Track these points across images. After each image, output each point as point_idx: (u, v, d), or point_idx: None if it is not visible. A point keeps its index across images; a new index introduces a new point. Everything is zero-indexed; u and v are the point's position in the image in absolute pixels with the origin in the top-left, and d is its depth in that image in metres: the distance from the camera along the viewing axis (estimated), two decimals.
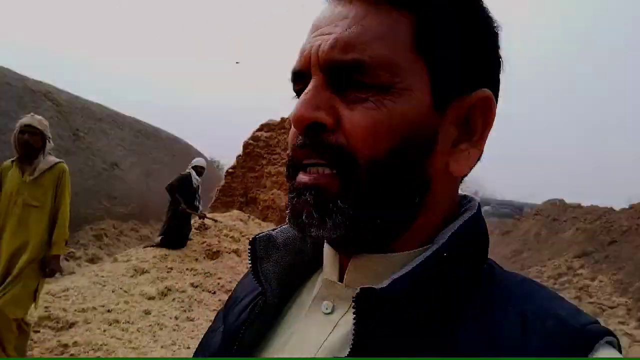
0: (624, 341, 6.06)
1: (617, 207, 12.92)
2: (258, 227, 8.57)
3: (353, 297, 0.39)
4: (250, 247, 0.52)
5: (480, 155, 0.46)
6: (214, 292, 5.87)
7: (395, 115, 0.41)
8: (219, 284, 6.08)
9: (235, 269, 6.87)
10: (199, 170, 7.20)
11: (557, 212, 14.68)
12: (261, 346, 0.51)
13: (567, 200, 15.65)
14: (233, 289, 0.62)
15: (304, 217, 0.43)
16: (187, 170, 7.14)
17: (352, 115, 0.42)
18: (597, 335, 0.38)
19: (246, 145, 11.40)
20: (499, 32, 0.47)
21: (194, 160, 7.49)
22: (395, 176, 0.42)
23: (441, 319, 0.40)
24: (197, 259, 6.74)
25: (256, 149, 11.17)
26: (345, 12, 0.43)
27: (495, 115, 0.45)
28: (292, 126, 0.45)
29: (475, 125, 0.45)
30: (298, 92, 0.48)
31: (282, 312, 0.53)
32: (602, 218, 12.20)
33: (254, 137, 11.42)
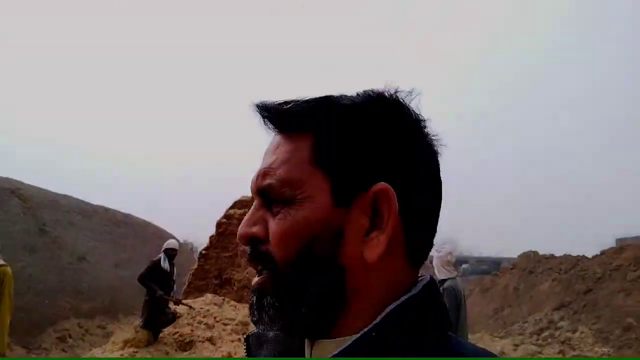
0: None
1: (589, 255, 13.16)
2: (233, 310, 8.30)
3: None
4: (244, 343, 0.62)
5: (389, 240, 0.50)
6: None
7: (298, 221, 0.50)
8: None
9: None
10: (170, 253, 7.05)
11: (532, 264, 14.81)
12: None
13: (541, 252, 15.89)
14: None
15: (253, 316, 0.53)
16: (158, 256, 7.01)
17: (271, 226, 0.52)
18: None
19: (219, 225, 11.22)
20: (403, 128, 0.54)
21: (165, 243, 7.34)
22: (307, 271, 0.50)
23: None
24: (168, 352, 6.44)
25: (229, 227, 10.99)
26: (272, 148, 0.55)
27: (395, 203, 0.50)
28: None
29: (382, 213, 0.50)
30: None
31: None
32: (576, 267, 12.37)
33: (227, 216, 11.28)
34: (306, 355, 0.56)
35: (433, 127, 0.57)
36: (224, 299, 8.94)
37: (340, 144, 0.52)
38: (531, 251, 16.17)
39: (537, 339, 9.19)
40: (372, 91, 0.55)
